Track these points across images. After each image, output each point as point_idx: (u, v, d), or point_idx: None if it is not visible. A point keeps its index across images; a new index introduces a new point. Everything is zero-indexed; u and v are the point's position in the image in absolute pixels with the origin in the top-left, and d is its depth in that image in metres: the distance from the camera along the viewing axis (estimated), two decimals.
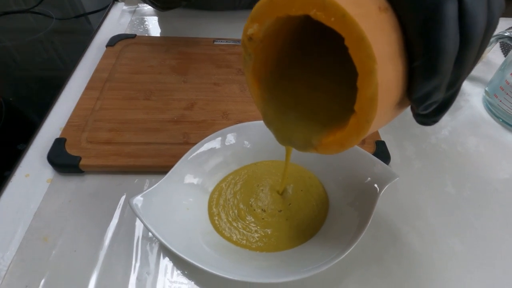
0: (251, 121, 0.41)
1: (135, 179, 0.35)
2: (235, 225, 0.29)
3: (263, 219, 0.29)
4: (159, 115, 0.40)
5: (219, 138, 0.33)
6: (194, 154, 0.32)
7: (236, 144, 0.34)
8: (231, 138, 0.34)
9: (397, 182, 0.31)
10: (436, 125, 0.46)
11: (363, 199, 0.29)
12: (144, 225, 0.25)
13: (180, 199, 0.29)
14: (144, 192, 0.27)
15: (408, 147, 0.42)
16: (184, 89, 0.44)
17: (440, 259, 0.31)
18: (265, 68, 0.21)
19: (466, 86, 0.53)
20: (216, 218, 0.29)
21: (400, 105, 0.17)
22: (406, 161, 0.40)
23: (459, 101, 0.50)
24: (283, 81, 0.22)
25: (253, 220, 0.30)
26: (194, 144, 0.37)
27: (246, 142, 0.34)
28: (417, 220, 0.34)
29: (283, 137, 0.22)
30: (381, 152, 0.38)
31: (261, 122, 0.35)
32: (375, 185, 0.29)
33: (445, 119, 0.47)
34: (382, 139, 0.40)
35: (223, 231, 0.28)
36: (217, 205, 0.30)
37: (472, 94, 0.51)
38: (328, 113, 0.20)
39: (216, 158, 0.33)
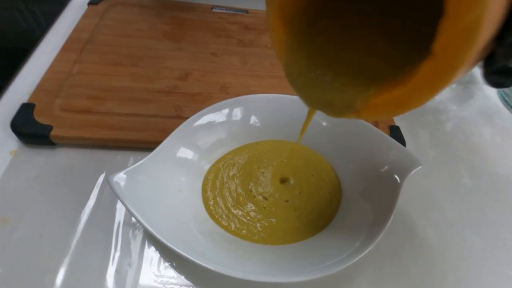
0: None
1: (117, 155, 0.30)
2: (234, 212, 0.25)
3: (265, 207, 0.25)
4: (148, 84, 0.35)
5: (217, 112, 0.29)
6: (188, 128, 0.27)
7: (237, 120, 0.29)
8: (231, 113, 0.29)
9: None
10: (450, 113, 0.43)
11: (381, 188, 0.25)
12: (126, 207, 0.20)
13: (170, 178, 0.24)
14: (128, 169, 0.22)
15: (422, 135, 0.38)
16: (177, 57, 0.39)
17: (459, 258, 0.28)
18: (293, 5, 0.17)
19: (480, 75, 0.49)
20: (212, 203, 0.25)
21: (481, 54, 0.13)
22: (421, 149, 0.37)
23: (472, 89, 0.47)
24: (314, 30, 0.18)
25: (254, 208, 0.25)
26: (187, 118, 0.32)
27: (248, 118, 0.30)
28: (433, 212, 0.31)
29: (312, 97, 0.18)
30: (396, 138, 0.34)
31: (266, 95, 0.30)
32: (395, 174, 0.25)
33: (458, 107, 0.44)
34: (396, 124, 0.36)
35: (220, 219, 0.24)
36: (212, 189, 0.26)
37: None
38: (374, 71, 0.16)
39: (213, 134, 0.28)
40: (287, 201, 0.26)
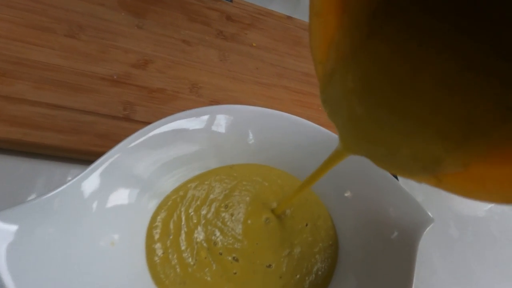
0: (232, 103, 0.29)
1: (20, 168, 0.20)
2: (197, 276, 0.17)
3: (235, 273, 0.18)
4: (88, 65, 0.25)
5: (185, 121, 0.20)
6: (140, 140, 0.18)
7: (208, 136, 0.21)
8: (203, 125, 0.21)
9: None
10: None
11: (391, 249, 0.19)
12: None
13: (99, 222, 0.15)
14: (21, 206, 0.13)
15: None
16: (136, 36, 0.29)
17: None
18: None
19: None
20: (159, 261, 0.17)
21: None
22: (410, 190, 0.33)
23: None
24: (374, 41, 0.11)
25: (220, 272, 0.17)
26: (141, 122, 0.23)
27: (223, 134, 0.22)
28: (423, 270, 0.26)
29: (371, 140, 0.11)
30: None
31: (250, 108, 0.23)
32: (408, 234, 0.20)
33: None
34: None
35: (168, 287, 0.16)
36: (163, 236, 0.17)
37: None
38: (475, 119, 0.10)
39: (172, 150, 0.20)
40: (269, 266, 0.18)
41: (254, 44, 0.35)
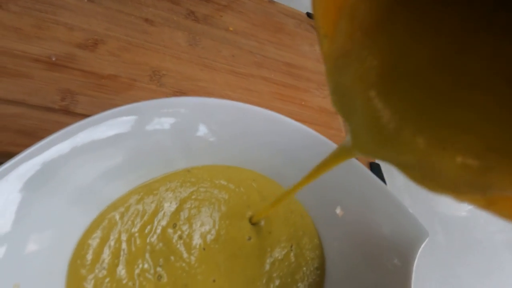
0: (201, 95, 0.25)
1: None
2: None
3: None
4: (18, 43, 0.20)
5: (130, 116, 0.16)
6: (72, 138, 0.14)
7: (160, 134, 0.17)
8: (154, 121, 0.17)
9: None
10: None
11: (385, 276, 0.16)
12: None
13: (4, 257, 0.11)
14: None
15: (398, 175, 0.32)
16: (85, 11, 0.24)
17: None
18: None
19: None
20: None
21: None
22: (397, 193, 0.30)
23: None
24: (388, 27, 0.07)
25: None
26: (82, 116, 0.19)
27: (179, 131, 0.17)
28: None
29: (385, 140, 0.08)
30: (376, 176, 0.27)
31: (213, 100, 0.19)
32: (403, 253, 0.17)
33: None
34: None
35: None
36: (93, 268, 0.13)
37: None
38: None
39: (113, 152, 0.15)
40: None
41: (230, 29, 0.31)
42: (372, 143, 0.08)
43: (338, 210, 0.18)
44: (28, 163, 0.13)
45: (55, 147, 0.13)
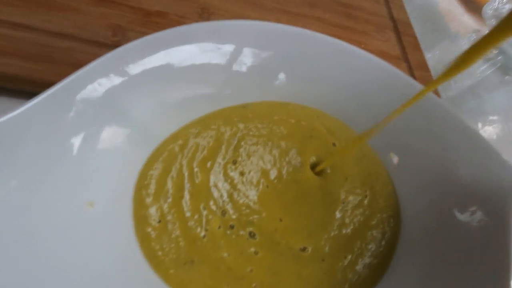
0: None
1: None
2: (209, 252, 0.12)
3: (256, 253, 0.13)
4: None
5: (184, 41, 0.15)
6: (128, 58, 0.13)
7: (216, 63, 0.15)
8: (207, 47, 0.15)
9: None
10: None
11: (473, 224, 0.14)
12: None
13: (69, 173, 0.11)
14: None
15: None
16: None
17: None
18: None
19: None
20: (154, 232, 0.12)
21: None
22: None
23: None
24: None
25: (238, 247, 0.13)
26: None
27: (238, 63, 0.16)
28: None
29: None
30: None
31: (276, 26, 0.17)
32: (496, 199, 0.14)
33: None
34: None
35: (171, 270, 0.12)
36: (157, 198, 0.13)
37: None
38: None
39: (173, 81, 0.14)
40: (304, 249, 0.13)
41: None
42: None
43: (411, 151, 0.16)
44: (86, 88, 0.12)
45: (109, 76, 0.12)
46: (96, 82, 0.12)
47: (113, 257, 0.10)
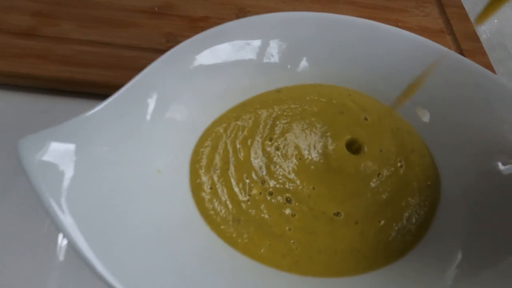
0: None
1: (70, 105, 0.19)
2: (252, 213, 0.14)
3: (293, 215, 0.15)
4: (128, 0, 0.23)
5: (224, 40, 0.17)
6: (179, 58, 0.16)
7: (252, 55, 0.17)
8: (244, 42, 0.17)
9: None
10: None
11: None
12: (44, 205, 0.10)
13: (143, 146, 0.14)
14: (58, 127, 0.12)
15: None
16: None
17: None
18: None
19: None
20: (206, 196, 0.14)
21: None
22: None
23: None
24: None
25: (278, 210, 0.15)
26: None
27: (269, 52, 0.18)
28: None
29: None
30: None
31: (307, 14, 0.18)
32: None
33: None
34: None
35: (223, 226, 0.14)
36: (208, 171, 0.15)
37: None
38: None
39: (215, 74, 0.17)
40: (337, 214, 0.15)
41: None
42: None
43: (450, 118, 0.16)
44: (150, 84, 0.15)
45: (165, 74, 0.15)
46: (157, 78, 0.15)
47: (175, 214, 0.13)
